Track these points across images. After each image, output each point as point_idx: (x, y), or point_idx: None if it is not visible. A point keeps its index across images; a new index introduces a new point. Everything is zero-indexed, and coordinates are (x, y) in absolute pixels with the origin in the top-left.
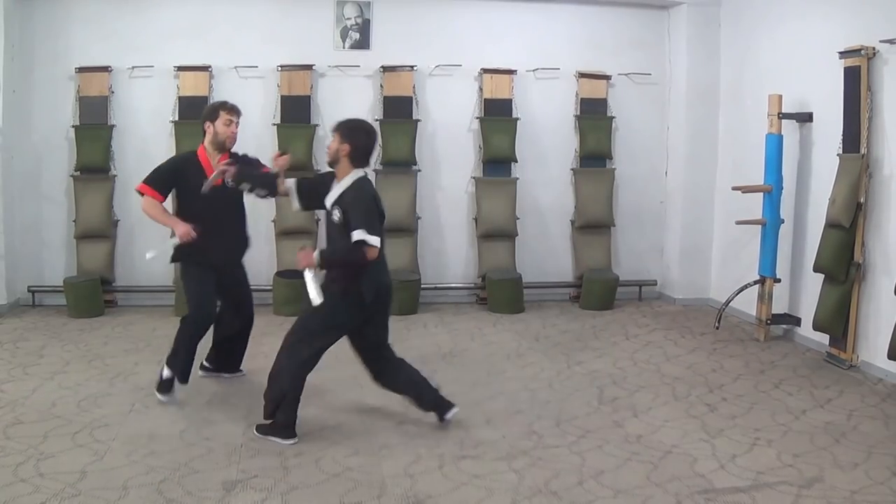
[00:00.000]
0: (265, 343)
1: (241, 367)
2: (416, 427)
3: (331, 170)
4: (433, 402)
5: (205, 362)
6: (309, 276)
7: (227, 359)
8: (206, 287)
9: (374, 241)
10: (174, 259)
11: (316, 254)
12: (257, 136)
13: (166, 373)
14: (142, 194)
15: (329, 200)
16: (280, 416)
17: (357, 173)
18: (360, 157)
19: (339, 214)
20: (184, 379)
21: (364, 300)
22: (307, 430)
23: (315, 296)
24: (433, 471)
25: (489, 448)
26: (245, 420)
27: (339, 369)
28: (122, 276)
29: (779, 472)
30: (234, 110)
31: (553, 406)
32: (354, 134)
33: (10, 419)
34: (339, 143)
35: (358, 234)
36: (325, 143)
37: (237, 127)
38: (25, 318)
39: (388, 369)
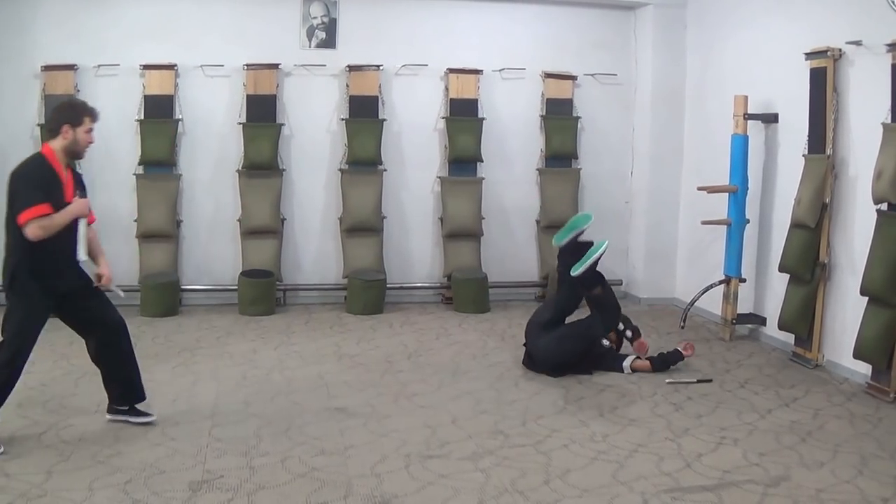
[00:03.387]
0: (230, 343)
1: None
2: (382, 427)
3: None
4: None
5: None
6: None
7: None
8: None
9: None
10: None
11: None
12: (222, 136)
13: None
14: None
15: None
16: None
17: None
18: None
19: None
20: None
21: None
22: (272, 430)
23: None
24: (399, 470)
25: (455, 447)
26: (210, 420)
27: (305, 368)
28: None
29: (745, 471)
30: (97, 117)
31: (519, 405)
32: None
33: None
34: None
35: None
36: (291, 142)
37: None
38: None
39: None
